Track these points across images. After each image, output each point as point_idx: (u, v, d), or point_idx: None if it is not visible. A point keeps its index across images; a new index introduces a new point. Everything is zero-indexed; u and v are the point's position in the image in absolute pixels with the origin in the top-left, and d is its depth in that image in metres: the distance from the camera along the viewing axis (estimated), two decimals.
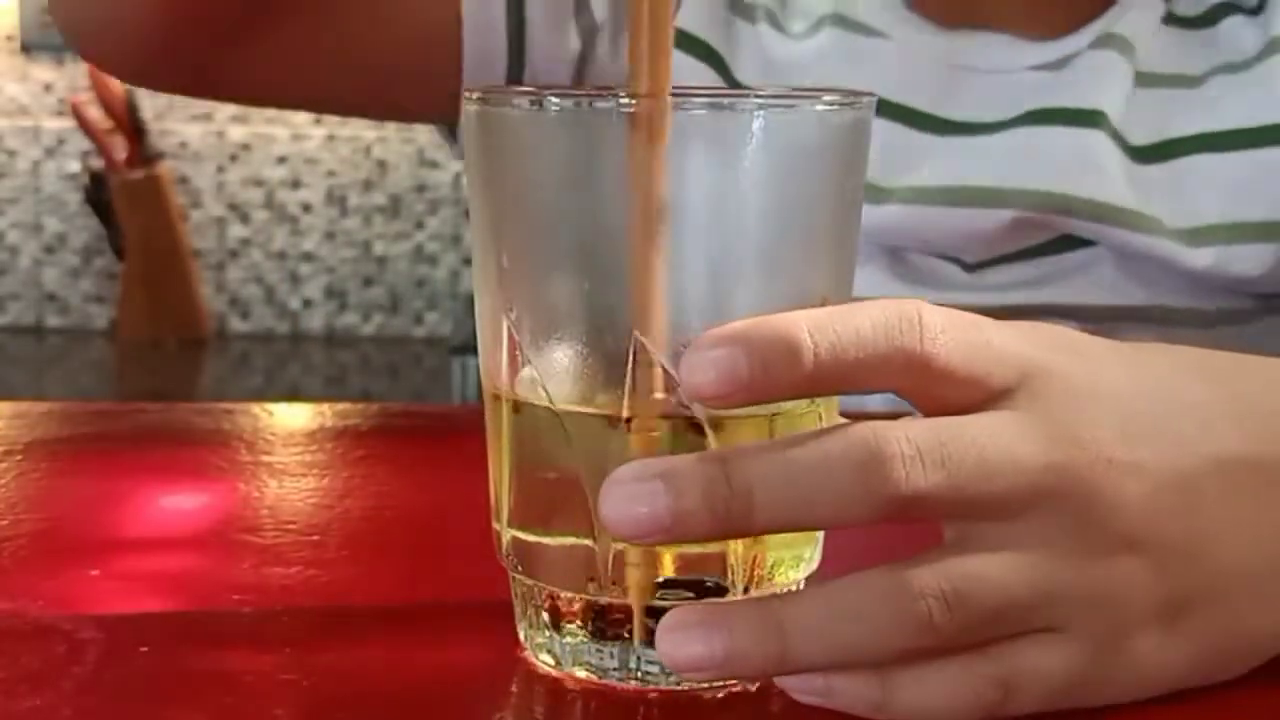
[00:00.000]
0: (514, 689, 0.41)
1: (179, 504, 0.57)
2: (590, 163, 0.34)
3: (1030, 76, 0.76)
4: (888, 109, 0.75)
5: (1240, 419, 0.39)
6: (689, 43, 0.78)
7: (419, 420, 0.70)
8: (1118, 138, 0.74)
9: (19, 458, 0.60)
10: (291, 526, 0.52)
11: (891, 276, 0.77)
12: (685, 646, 0.35)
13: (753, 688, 0.41)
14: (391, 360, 2.81)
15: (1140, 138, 0.74)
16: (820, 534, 0.42)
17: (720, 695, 0.40)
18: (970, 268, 0.77)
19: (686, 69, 0.77)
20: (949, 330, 0.36)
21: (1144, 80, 0.75)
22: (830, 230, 0.39)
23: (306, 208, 2.88)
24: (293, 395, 2.59)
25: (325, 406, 0.69)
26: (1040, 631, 0.37)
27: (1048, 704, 0.37)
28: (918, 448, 0.35)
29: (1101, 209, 0.73)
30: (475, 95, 0.39)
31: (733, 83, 0.78)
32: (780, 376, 0.35)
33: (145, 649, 0.42)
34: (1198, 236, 0.73)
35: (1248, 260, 0.73)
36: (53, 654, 0.42)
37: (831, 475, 0.34)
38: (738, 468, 0.35)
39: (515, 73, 0.77)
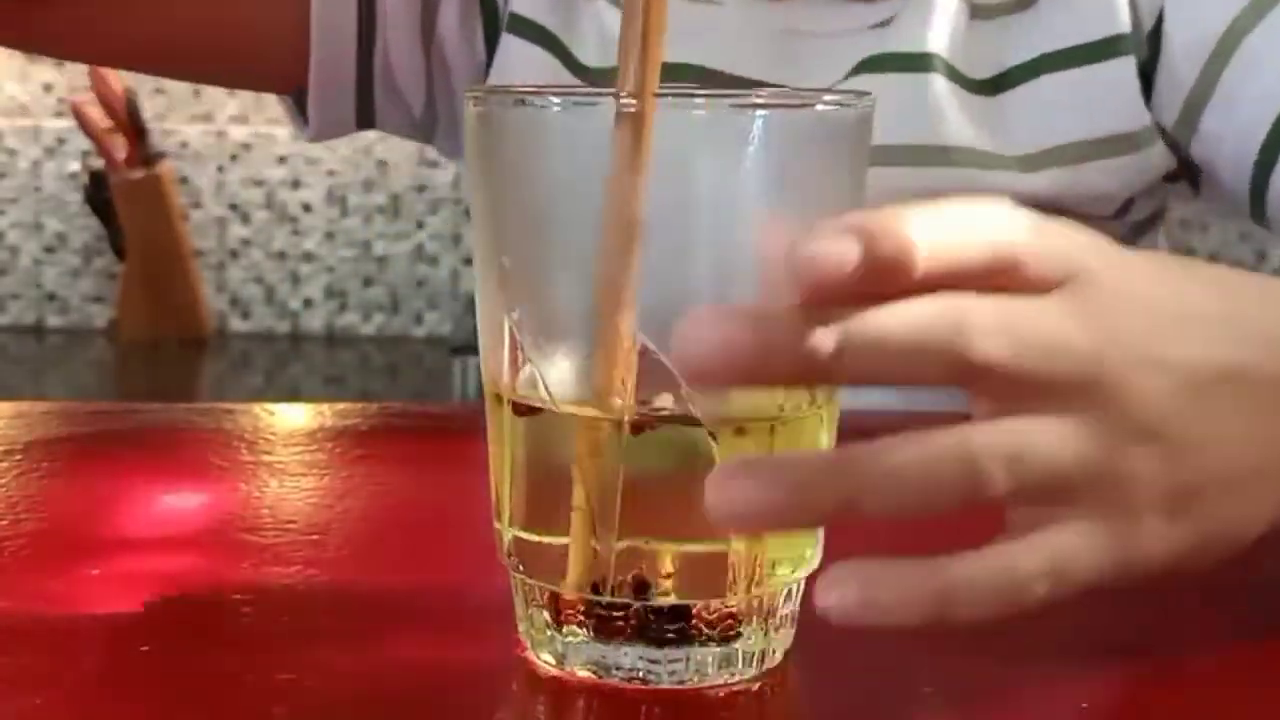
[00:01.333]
0: (514, 688, 0.41)
1: (179, 504, 0.57)
2: (590, 163, 0.34)
3: (862, 36, 0.76)
4: (720, 80, 0.75)
5: (1245, 333, 0.41)
6: (524, 26, 0.78)
7: (419, 420, 0.70)
8: (955, 76, 0.74)
9: (19, 458, 0.60)
10: (291, 526, 0.52)
11: None
12: (743, 491, 0.35)
13: (754, 686, 0.41)
14: (391, 360, 2.80)
15: (981, 71, 0.75)
16: (820, 534, 0.42)
17: (721, 694, 0.40)
18: None
19: (521, 55, 0.77)
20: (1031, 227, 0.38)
21: (979, 12, 0.76)
22: None
23: (306, 208, 2.87)
24: (293, 395, 2.59)
25: (325, 406, 0.69)
26: (1068, 521, 0.38)
27: (1074, 584, 0.38)
28: (993, 320, 0.36)
29: (945, 154, 0.74)
30: (476, 96, 0.39)
31: (574, 64, 0.77)
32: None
33: (145, 649, 0.42)
34: (1034, 162, 0.74)
35: (1099, 180, 0.74)
36: (53, 654, 0.42)
37: (918, 334, 0.35)
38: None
39: (366, 52, 0.77)
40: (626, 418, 0.38)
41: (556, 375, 0.39)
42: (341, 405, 0.69)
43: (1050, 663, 0.43)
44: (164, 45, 0.78)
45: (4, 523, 0.52)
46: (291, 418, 0.68)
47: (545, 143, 0.39)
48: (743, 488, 0.34)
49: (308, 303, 2.90)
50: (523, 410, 0.40)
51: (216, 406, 0.68)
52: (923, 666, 0.42)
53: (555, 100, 0.38)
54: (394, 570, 0.50)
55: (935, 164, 0.74)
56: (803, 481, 0.35)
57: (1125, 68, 0.75)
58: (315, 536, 0.52)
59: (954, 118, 0.74)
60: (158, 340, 2.80)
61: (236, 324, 2.90)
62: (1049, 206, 0.73)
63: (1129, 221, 0.80)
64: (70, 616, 0.44)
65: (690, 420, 0.38)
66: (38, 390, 2.53)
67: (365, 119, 0.81)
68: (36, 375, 2.73)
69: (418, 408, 0.79)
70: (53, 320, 2.86)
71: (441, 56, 0.79)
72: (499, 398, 0.41)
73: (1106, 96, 0.75)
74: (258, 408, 0.68)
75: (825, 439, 0.41)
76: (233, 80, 0.88)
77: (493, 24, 0.79)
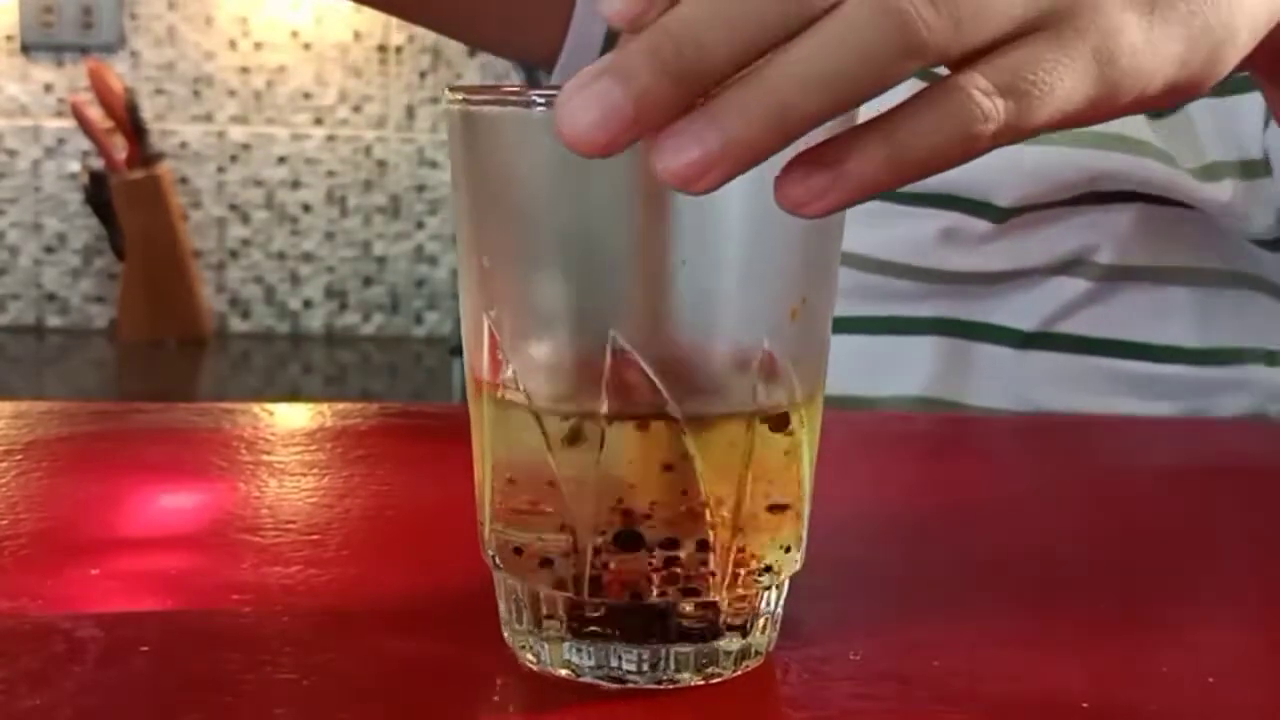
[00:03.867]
0: (498, 684, 0.41)
1: (179, 504, 0.57)
2: (569, 163, 0.34)
3: None
4: None
5: None
6: None
7: (419, 420, 0.70)
8: None
9: (19, 458, 0.60)
10: (291, 526, 0.52)
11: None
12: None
13: (734, 687, 0.40)
14: (391, 360, 2.80)
15: None
16: (804, 534, 0.42)
17: (701, 694, 0.40)
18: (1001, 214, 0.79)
19: None
20: None
21: None
22: (811, 230, 0.39)
23: (306, 208, 2.87)
24: (293, 395, 2.59)
25: (325, 406, 0.69)
26: (1034, 37, 0.36)
27: (1066, 110, 0.36)
28: None
29: (1129, 143, 0.76)
30: (458, 95, 0.40)
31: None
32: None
33: (145, 649, 0.42)
34: (1212, 172, 0.76)
35: (1255, 197, 0.76)
36: (53, 654, 0.42)
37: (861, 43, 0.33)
38: (675, 17, 0.33)
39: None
40: (603, 414, 0.38)
41: (533, 373, 0.39)
42: (341, 405, 0.69)
43: (1045, 662, 0.43)
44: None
45: (4, 523, 0.52)
46: (291, 418, 0.68)
47: (524, 142, 0.39)
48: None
49: (308, 303, 2.90)
50: (501, 407, 0.40)
51: (216, 406, 0.68)
52: (907, 667, 0.42)
53: (536, 99, 0.38)
54: (394, 570, 0.50)
55: (1130, 152, 0.76)
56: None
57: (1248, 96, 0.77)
58: (315, 536, 0.52)
59: (1138, 116, 0.76)
60: (158, 340, 2.80)
61: (236, 324, 2.91)
62: (1223, 216, 0.77)
63: None
64: (70, 616, 0.44)
65: (665, 416, 0.38)
66: (38, 390, 2.53)
67: None
68: (36, 375, 2.73)
69: (418, 408, 0.79)
70: (53, 320, 2.86)
71: None
72: (479, 395, 0.41)
73: (1234, 121, 0.77)
74: (258, 408, 0.68)
75: (807, 439, 0.41)
76: (498, 46, 0.93)
77: None
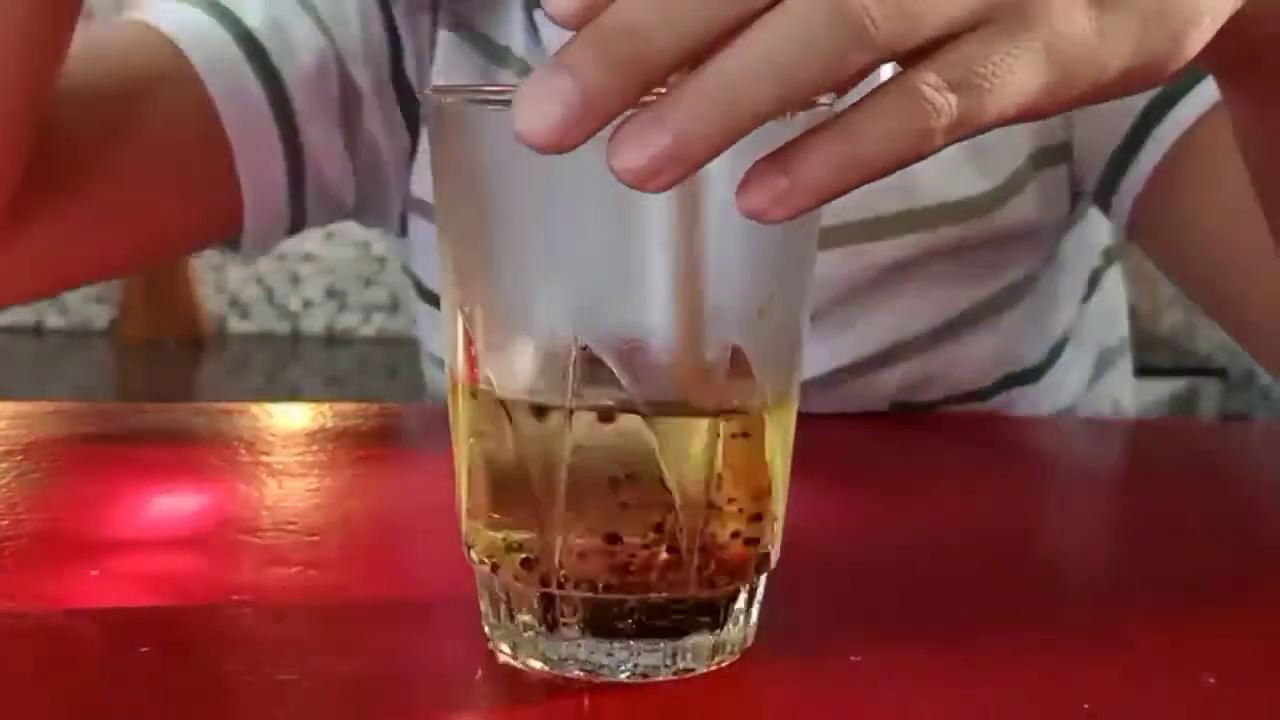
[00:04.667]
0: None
1: (179, 504, 0.57)
2: (538, 162, 0.34)
3: None
4: None
5: None
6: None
7: (419, 420, 0.70)
8: None
9: (19, 458, 0.60)
10: (291, 526, 0.52)
11: None
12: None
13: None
14: (391, 360, 2.80)
15: None
16: (778, 532, 0.42)
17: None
18: None
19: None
20: None
21: None
22: (780, 227, 0.39)
23: None
24: (293, 395, 2.59)
25: (325, 406, 0.69)
26: (983, 32, 0.35)
27: (1020, 103, 0.36)
28: None
29: (916, 217, 0.72)
30: (436, 93, 0.40)
31: None
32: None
33: (145, 649, 0.42)
34: (1012, 188, 0.73)
35: (1030, 204, 0.73)
36: (53, 654, 0.42)
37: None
38: (618, 9, 0.33)
39: (296, 183, 0.74)
40: (570, 411, 0.38)
41: (504, 369, 0.40)
42: (341, 405, 0.69)
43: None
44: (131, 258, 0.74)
45: (4, 523, 0.52)
46: (291, 418, 0.68)
47: (495, 141, 0.39)
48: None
49: (307, 303, 2.90)
50: (474, 402, 0.41)
51: (216, 407, 0.68)
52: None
53: (506, 97, 0.38)
54: (393, 571, 0.50)
55: (915, 230, 0.72)
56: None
57: None
58: (315, 537, 0.52)
59: (928, 172, 0.71)
60: (157, 341, 2.80)
61: (236, 324, 2.91)
62: (1020, 232, 0.73)
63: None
64: (70, 616, 0.44)
65: (632, 413, 0.38)
66: (38, 390, 2.53)
67: (295, 229, 0.79)
68: (36, 375, 2.73)
69: (417, 408, 0.79)
70: (53, 320, 2.86)
71: (370, 155, 0.77)
72: (456, 390, 0.41)
73: None
74: (257, 408, 0.68)
75: (779, 435, 0.41)
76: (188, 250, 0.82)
77: (411, 111, 0.78)
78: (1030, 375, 0.78)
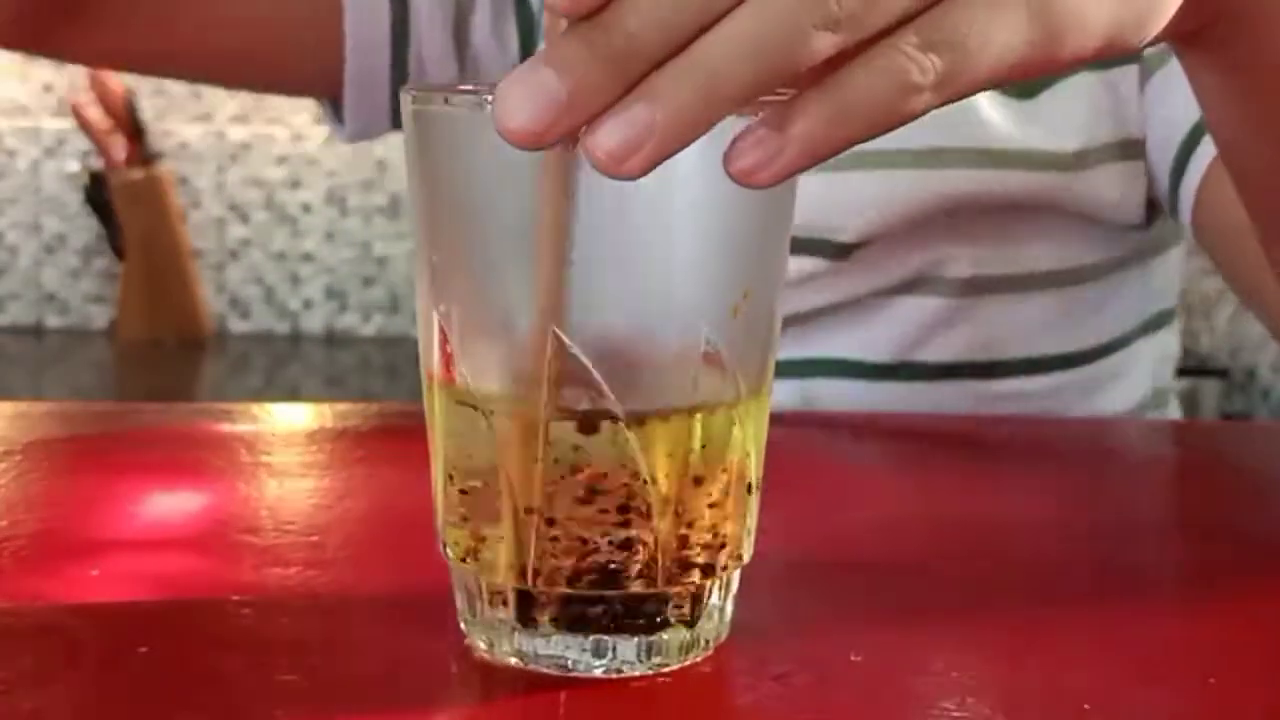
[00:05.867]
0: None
1: (179, 504, 0.57)
2: (514, 162, 0.34)
3: None
4: None
5: None
6: None
7: (419, 420, 0.70)
8: None
9: (19, 458, 0.60)
10: (291, 526, 0.52)
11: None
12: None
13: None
14: (391, 360, 2.80)
15: None
16: (752, 526, 0.42)
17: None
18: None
19: None
20: None
21: None
22: (754, 222, 0.39)
23: (306, 208, 2.87)
24: (293, 395, 2.59)
25: (325, 406, 0.69)
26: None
27: (1001, 66, 0.36)
28: None
29: (984, 157, 0.74)
30: (411, 93, 0.40)
31: None
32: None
33: (145, 649, 0.42)
34: (1083, 160, 0.75)
35: (1110, 183, 0.76)
36: (53, 654, 0.42)
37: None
38: (614, 12, 0.33)
39: (400, 56, 0.78)
40: (544, 410, 0.39)
41: (478, 368, 0.40)
42: (341, 405, 0.69)
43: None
44: (204, 56, 0.80)
45: (4, 523, 0.52)
46: (291, 418, 0.68)
47: (472, 142, 0.39)
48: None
49: (307, 303, 2.90)
50: (450, 401, 0.41)
51: (216, 406, 0.68)
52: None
53: (487, 99, 0.38)
54: (393, 570, 0.50)
55: (985, 166, 0.75)
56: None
57: (1129, 73, 0.76)
58: (315, 537, 0.52)
59: (999, 120, 0.75)
60: (157, 341, 2.80)
61: (236, 324, 2.90)
62: (1095, 208, 0.75)
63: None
64: (70, 616, 0.44)
65: (606, 411, 0.39)
66: (38, 390, 2.53)
67: (399, 120, 0.81)
68: (36, 375, 2.73)
69: (417, 408, 0.79)
70: (53, 320, 2.86)
71: (475, 60, 0.79)
72: (431, 389, 0.41)
73: (1112, 98, 0.76)
74: (257, 408, 0.68)
75: (751, 433, 0.41)
76: (271, 87, 0.88)
77: (528, 31, 0.79)
78: (1075, 360, 0.80)
